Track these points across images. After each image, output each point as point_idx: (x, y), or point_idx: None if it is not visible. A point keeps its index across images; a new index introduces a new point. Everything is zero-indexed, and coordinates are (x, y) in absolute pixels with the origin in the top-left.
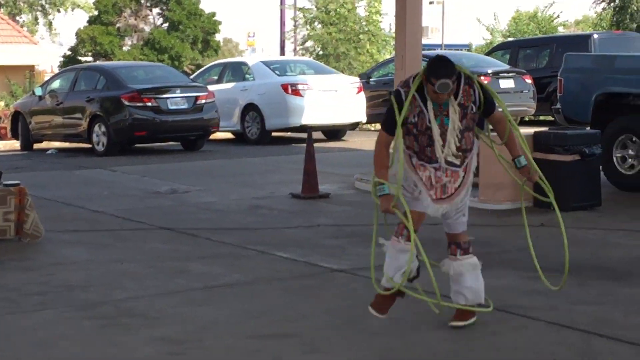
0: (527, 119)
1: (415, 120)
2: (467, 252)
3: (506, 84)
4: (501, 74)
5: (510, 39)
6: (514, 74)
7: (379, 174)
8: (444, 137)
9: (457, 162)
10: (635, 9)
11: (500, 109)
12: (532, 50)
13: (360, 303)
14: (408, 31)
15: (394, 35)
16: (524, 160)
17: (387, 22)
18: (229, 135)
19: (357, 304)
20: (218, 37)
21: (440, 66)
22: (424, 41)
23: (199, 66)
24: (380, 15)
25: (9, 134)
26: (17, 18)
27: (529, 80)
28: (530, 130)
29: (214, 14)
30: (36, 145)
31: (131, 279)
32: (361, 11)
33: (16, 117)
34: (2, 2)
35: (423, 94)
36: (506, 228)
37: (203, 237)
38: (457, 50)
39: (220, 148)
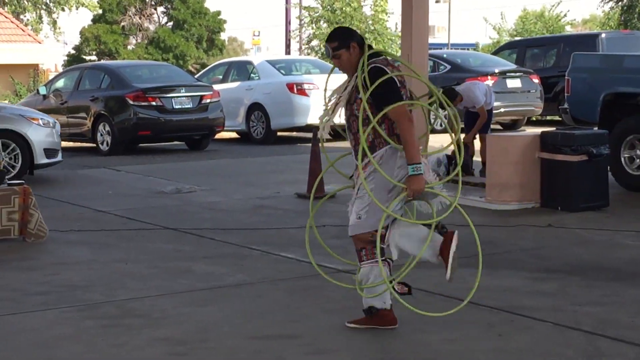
0: (534, 119)
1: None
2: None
3: (513, 83)
4: (508, 74)
5: (517, 38)
6: (521, 73)
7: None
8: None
9: (357, 157)
10: None
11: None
12: (540, 49)
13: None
14: (414, 30)
15: (400, 34)
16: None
17: (393, 21)
18: (234, 135)
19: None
20: (223, 36)
21: (330, 32)
22: (430, 40)
23: (203, 65)
24: (386, 14)
25: None
26: (22, 16)
27: (536, 80)
28: (538, 130)
29: (219, 13)
30: None
31: (134, 279)
32: (367, 10)
33: None
34: (7, 0)
35: None
36: (511, 229)
37: (207, 237)
38: (464, 49)
39: (225, 148)
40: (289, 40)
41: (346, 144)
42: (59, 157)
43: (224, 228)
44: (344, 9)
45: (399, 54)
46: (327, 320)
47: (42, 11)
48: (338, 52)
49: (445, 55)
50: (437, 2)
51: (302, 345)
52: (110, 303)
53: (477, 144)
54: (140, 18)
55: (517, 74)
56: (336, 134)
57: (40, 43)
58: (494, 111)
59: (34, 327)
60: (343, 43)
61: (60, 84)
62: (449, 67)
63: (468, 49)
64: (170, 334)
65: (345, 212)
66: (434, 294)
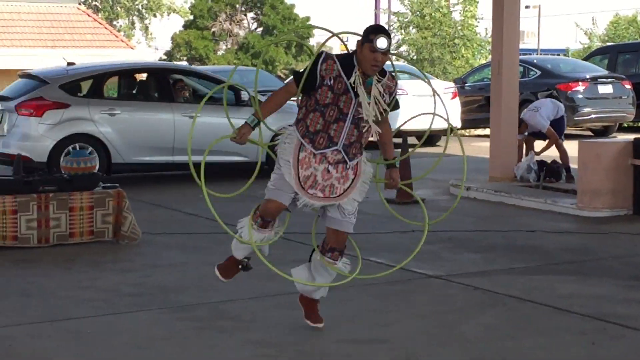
0: (625, 125)
1: (331, 83)
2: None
3: (605, 89)
4: (599, 80)
5: (609, 44)
6: (612, 79)
7: (262, 108)
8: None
9: (351, 155)
10: None
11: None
12: (632, 55)
13: (454, 309)
14: (505, 36)
15: (489, 39)
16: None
17: (483, 26)
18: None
19: (451, 310)
20: (312, 41)
21: (378, 27)
22: (520, 46)
23: (292, 70)
24: (476, 19)
25: None
26: (115, 23)
27: (628, 86)
28: (630, 136)
29: (308, 19)
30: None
31: (225, 282)
32: (456, 15)
33: None
34: (100, 7)
35: (349, 63)
36: (603, 236)
37: (296, 240)
38: (554, 55)
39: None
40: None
41: (435, 150)
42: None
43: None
44: (433, 14)
45: (488, 59)
46: (417, 325)
47: (135, 17)
48: (389, 51)
49: (535, 61)
50: (526, 7)
51: (391, 349)
52: (203, 305)
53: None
54: (230, 24)
55: (609, 79)
56: (425, 139)
57: (132, 49)
58: (585, 117)
59: (128, 328)
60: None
61: None
62: (539, 72)
63: (558, 55)
64: (261, 336)
65: (434, 217)
66: (525, 301)
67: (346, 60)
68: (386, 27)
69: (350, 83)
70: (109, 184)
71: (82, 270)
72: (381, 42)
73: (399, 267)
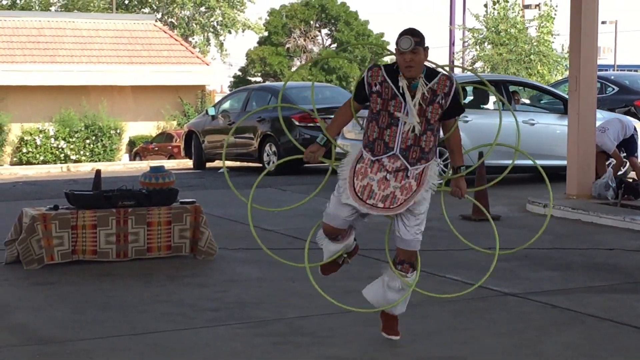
0: None
1: (378, 88)
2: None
3: None
4: None
5: None
6: None
7: (329, 127)
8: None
9: (412, 159)
10: None
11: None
12: None
13: (532, 327)
14: (582, 52)
15: (566, 55)
16: (464, 170)
17: (559, 42)
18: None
19: (528, 327)
20: (386, 57)
21: (405, 29)
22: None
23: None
24: (552, 35)
25: (182, 153)
26: (190, 39)
27: None
28: None
29: (382, 35)
30: (208, 164)
31: (302, 298)
32: (532, 31)
33: (189, 136)
34: (176, 23)
35: (394, 70)
36: None
37: (372, 257)
38: (631, 70)
39: None
40: (453, 61)
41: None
42: None
43: (390, 249)
44: (508, 30)
45: (565, 75)
46: (494, 343)
47: (210, 34)
48: (418, 48)
49: (613, 77)
50: (603, 23)
51: None
52: (279, 321)
53: None
54: (304, 40)
55: None
56: None
57: (207, 65)
58: None
59: (207, 343)
60: (423, 41)
61: (227, 105)
62: (617, 89)
63: (636, 70)
64: (338, 352)
65: (511, 234)
66: (604, 319)
67: (391, 68)
68: (461, 43)
69: (397, 87)
70: (186, 200)
71: (160, 284)
72: (404, 43)
73: (473, 287)
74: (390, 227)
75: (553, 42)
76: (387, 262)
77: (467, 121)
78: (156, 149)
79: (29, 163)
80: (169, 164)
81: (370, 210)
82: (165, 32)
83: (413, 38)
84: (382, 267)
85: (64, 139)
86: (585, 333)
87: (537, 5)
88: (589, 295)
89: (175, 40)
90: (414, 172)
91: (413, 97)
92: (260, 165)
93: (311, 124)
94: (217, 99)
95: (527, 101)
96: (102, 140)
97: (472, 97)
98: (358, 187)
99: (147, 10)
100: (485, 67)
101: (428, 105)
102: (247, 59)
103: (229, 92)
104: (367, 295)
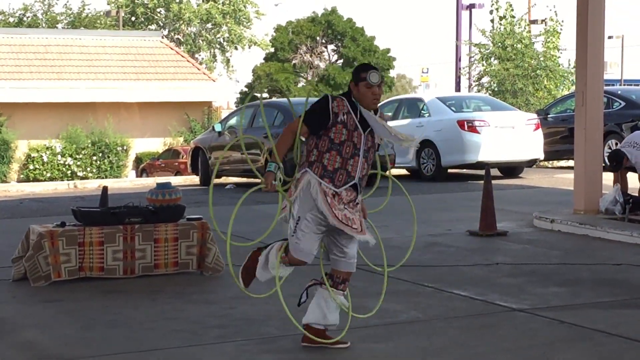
0: None
1: (344, 118)
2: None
3: None
4: None
5: None
6: None
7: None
8: (369, 141)
9: (360, 188)
10: None
11: None
12: None
13: (540, 344)
14: (589, 67)
15: (572, 70)
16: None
17: (566, 57)
18: (404, 172)
19: (537, 344)
20: (392, 73)
21: (365, 65)
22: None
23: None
24: (558, 50)
25: (189, 169)
26: (196, 55)
27: None
28: None
29: (388, 50)
30: (215, 181)
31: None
32: (539, 46)
33: (196, 152)
34: (182, 40)
35: (351, 102)
36: None
37: (379, 273)
38: (637, 85)
39: (395, 184)
40: (459, 77)
41: (518, 181)
42: None
43: (396, 265)
44: (515, 45)
45: (571, 90)
46: (503, 359)
47: (216, 50)
48: (382, 82)
49: (619, 92)
50: (609, 37)
51: None
52: (287, 337)
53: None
54: (311, 56)
55: None
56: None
57: (214, 81)
58: None
59: None
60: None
61: (234, 121)
62: (623, 103)
63: None
64: None
65: (518, 249)
66: (612, 335)
67: (349, 100)
68: (467, 58)
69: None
70: (193, 216)
71: (167, 301)
72: (374, 77)
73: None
74: (325, 250)
75: (560, 57)
76: (395, 277)
77: None
78: (163, 165)
79: (35, 180)
80: (175, 180)
81: (358, 234)
82: (172, 49)
83: (379, 72)
84: (316, 290)
85: (70, 156)
86: (594, 349)
87: (544, 21)
88: (597, 311)
89: (182, 56)
90: (359, 201)
91: (368, 127)
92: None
93: None
94: (224, 115)
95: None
96: (108, 157)
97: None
98: (340, 215)
99: (153, 27)
100: (492, 82)
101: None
102: (253, 75)
103: (235, 109)
104: (307, 320)
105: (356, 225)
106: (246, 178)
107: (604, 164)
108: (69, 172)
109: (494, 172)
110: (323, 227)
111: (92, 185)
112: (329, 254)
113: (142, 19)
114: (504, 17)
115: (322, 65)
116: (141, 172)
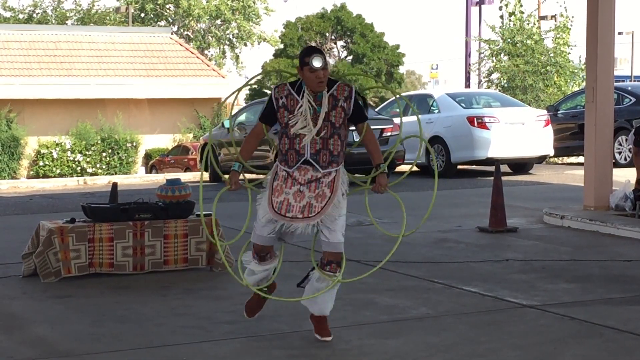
0: None
1: (285, 101)
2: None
3: None
4: None
5: None
6: None
7: (241, 152)
8: (315, 121)
9: (322, 162)
10: None
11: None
12: None
13: (551, 340)
14: (599, 63)
15: (582, 67)
16: (383, 167)
17: (576, 53)
18: (414, 168)
19: (547, 340)
20: (401, 69)
21: (310, 48)
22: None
23: (382, 99)
24: (568, 46)
25: (198, 166)
26: (206, 52)
27: None
28: None
29: (397, 47)
30: (224, 177)
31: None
32: (549, 42)
33: (205, 149)
34: (192, 36)
35: (299, 86)
36: None
37: (389, 269)
38: None
39: (405, 181)
40: (469, 73)
41: (527, 178)
42: None
43: (406, 261)
44: (525, 41)
45: (581, 86)
46: (513, 356)
47: (226, 46)
48: (327, 65)
49: (630, 88)
50: (619, 33)
51: None
52: (297, 333)
53: None
54: None
55: None
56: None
57: (223, 77)
58: None
59: (224, 356)
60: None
61: (243, 117)
62: (633, 99)
63: None
64: None
65: (528, 246)
66: (623, 332)
67: (295, 85)
68: (477, 54)
69: (301, 98)
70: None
71: (177, 297)
72: (317, 61)
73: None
74: (317, 235)
75: (570, 53)
76: (405, 274)
77: None
78: (172, 161)
79: (45, 176)
80: (185, 176)
81: (292, 221)
82: (181, 45)
83: (322, 56)
84: (311, 273)
85: (80, 152)
86: (604, 345)
87: (554, 17)
88: (608, 307)
89: (191, 53)
90: (327, 180)
91: (320, 106)
92: None
93: None
94: (234, 111)
95: None
96: (118, 153)
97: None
98: (275, 203)
99: (163, 23)
100: (502, 78)
101: (331, 110)
102: (262, 71)
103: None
104: (303, 302)
105: (293, 213)
106: (256, 174)
107: (614, 160)
108: (78, 168)
109: (504, 168)
110: None
111: (102, 182)
112: (320, 243)
113: (152, 15)
114: (513, 13)
115: (332, 61)
116: (151, 168)
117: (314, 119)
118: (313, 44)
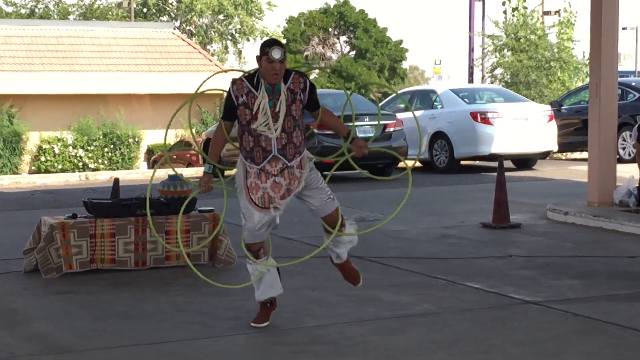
0: None
1: (245, 99)
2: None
3: None
4: None
5: None
6: None
7: (210, 154)
8: (275, 117)
9: (289, 155)
10: None
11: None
12: None
13: (554, 336)
14: (603, 58)
15: (586, 62)
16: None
17: (580, 49)
18: (417, 164)
19: (551, 337)
20: (405, 64)
21: (271, 40)
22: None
23: (385, 94)
24: (572, 41)
25: (201, 161)
26: (208, 47)
27: None
28: None
29: (400, 42)
30: (226, 172)
31: (321, 306)
32: (552, 38)
33: (207, 144)
34: (194, 31)
35: (254, 81)
36: None
37: (392, 265)
38: None
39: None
40: (472, 68)
41: (531, 174)
42: None
43: (409, 257)
44: (528, 36)
45: (585, 82)
46: (517, 352)
47: (228, 42)
48: (285, 57)
49: (633, 83)
50: (623, 29)
51: None
52: (298, 330)
53: None
54: (323, 47)
55: None
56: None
57: (226, 73)
58: None
59: (226, 352)
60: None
61: None
62: (637, 95)
63: None
64: None
65: (532, 242)
66: (626, 328)
67: (252, 78)
68: (480, 50)
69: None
70: (205, 208)
71: (179, 293)
72: (276, 53)
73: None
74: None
75: (573, 48)
76: (407, 270)
77: None
78: (174, 157)
79: (47, 171)
80: (187, 172)
81: (277, 211)
82: (184, 40)
83: (283, 50)
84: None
85: (82, 148)
86: (608, 342)
87: (557, 12)
88: (611, 304)
89: (194, 48)
90: (294, 164)
91: (278, 99)
92: None
93: (328, 132)
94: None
95: None
96: (120, 149)
97: None
98: (257, 199)
99: (165, 18)
100: (505, 73)
101: (291, 105)
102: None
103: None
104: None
105: (275, 203)
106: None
107: (618, 156)
108: (80, 163)
109: (507, 164)
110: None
111: (104, 177)
112: (312, 214)
113: (154, 11)
114: (517, 8)
115: (335, 56)
116: (152, 163)
117: (274, 115)
118: (316, 40)
